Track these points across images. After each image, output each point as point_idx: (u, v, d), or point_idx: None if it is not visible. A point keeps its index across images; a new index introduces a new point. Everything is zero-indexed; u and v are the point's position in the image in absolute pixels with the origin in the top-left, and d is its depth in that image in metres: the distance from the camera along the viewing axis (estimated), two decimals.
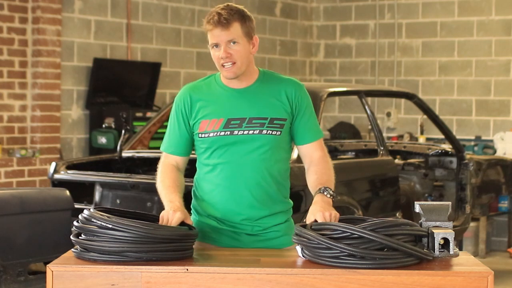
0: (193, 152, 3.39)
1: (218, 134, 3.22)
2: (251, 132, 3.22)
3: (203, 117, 3.25)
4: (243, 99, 3.26)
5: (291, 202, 3.41)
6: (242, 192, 3.23)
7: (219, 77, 3.32)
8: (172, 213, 3.04)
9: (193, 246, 2.99)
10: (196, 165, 3.36)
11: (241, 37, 3.17)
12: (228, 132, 3.22)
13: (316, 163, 3.32)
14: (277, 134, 3.25)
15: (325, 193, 3.16)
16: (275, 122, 3.24)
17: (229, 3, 3.23)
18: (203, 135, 3.25)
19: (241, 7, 3.23)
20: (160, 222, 3.03)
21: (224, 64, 3.18)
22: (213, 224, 3.29)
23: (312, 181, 3.27)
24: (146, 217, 3.06)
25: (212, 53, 3.21)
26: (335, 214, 3.02)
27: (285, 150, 3.33)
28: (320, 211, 3.02)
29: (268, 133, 3.23)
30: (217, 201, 3.27)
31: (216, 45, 3.17)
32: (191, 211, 3.39)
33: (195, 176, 3.37)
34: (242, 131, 3.22)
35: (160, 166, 3.33)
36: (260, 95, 3.27)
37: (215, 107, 3.25)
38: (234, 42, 3.16)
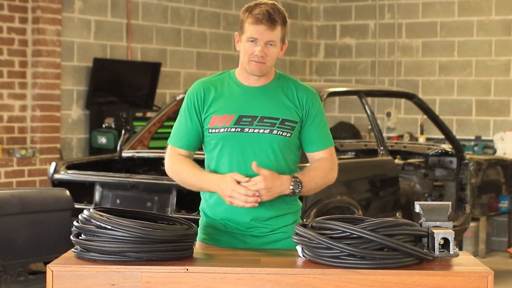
0: (202, 153, 3.36)
1: (228, 130, 3.20)
2: (261, 131, 3.20)
3: (214, 112, 3.22)
4: (257, 97, 3.25)
5: (300, 203, 3.38)
6: None
7: (233, 74, 3.31)
8: (230, 180, 3.11)
9: (198, 248, 2.97)
10: (205, 165, 3.32)
11: (278, 41, 3.19)
12: (239, 129, 3.20)
13: (318, 161, 3.31)
14: (287, 135, 3.23)
15: (292, 181, 3.16)
16: (286, 123, 3.23)
17: (275, 2, 3.21)
18: (213, 130, 3.23)
19: (283, 9, 3.22)
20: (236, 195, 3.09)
21: (255, 61, 3.18)
22: (220, 227, 3.26)
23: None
24: (146, 216, 3.05)
25: (244, 46, 3.19)
26: (265, 194, 3.10)
27: (294, 153, 3.31)
28: (266, 175, 3.10)
29: (278, 133, 3.22)
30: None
31: (254, 40, 3.16)
32: (200, 213, 3.37)
33: None
34: (252, 129, 3.20)
35: (171, 158, 3.28)
36: (273, 95, 3.26)
37: (228, 103, 3.22)
38: (271, 44, 3.17)
